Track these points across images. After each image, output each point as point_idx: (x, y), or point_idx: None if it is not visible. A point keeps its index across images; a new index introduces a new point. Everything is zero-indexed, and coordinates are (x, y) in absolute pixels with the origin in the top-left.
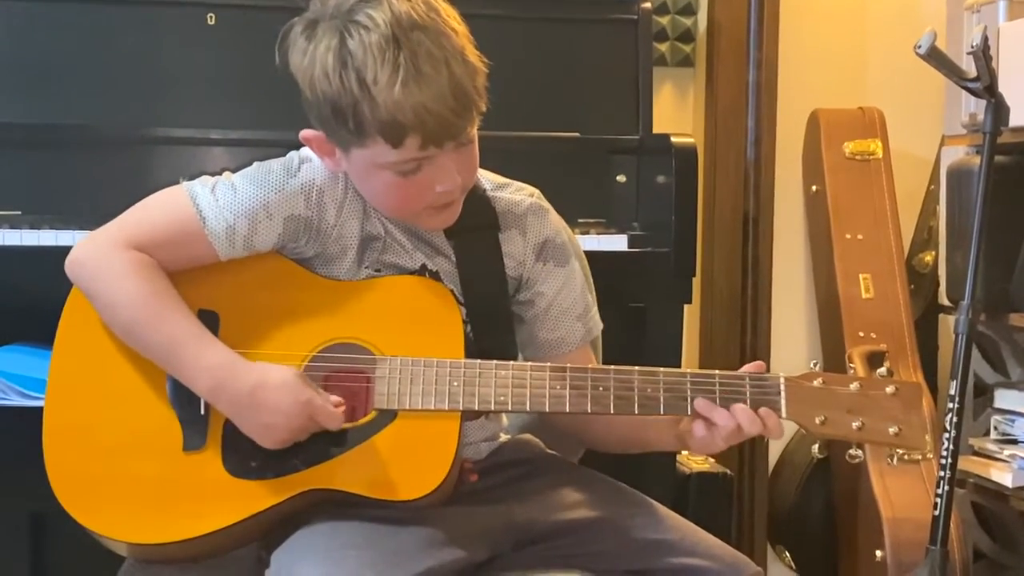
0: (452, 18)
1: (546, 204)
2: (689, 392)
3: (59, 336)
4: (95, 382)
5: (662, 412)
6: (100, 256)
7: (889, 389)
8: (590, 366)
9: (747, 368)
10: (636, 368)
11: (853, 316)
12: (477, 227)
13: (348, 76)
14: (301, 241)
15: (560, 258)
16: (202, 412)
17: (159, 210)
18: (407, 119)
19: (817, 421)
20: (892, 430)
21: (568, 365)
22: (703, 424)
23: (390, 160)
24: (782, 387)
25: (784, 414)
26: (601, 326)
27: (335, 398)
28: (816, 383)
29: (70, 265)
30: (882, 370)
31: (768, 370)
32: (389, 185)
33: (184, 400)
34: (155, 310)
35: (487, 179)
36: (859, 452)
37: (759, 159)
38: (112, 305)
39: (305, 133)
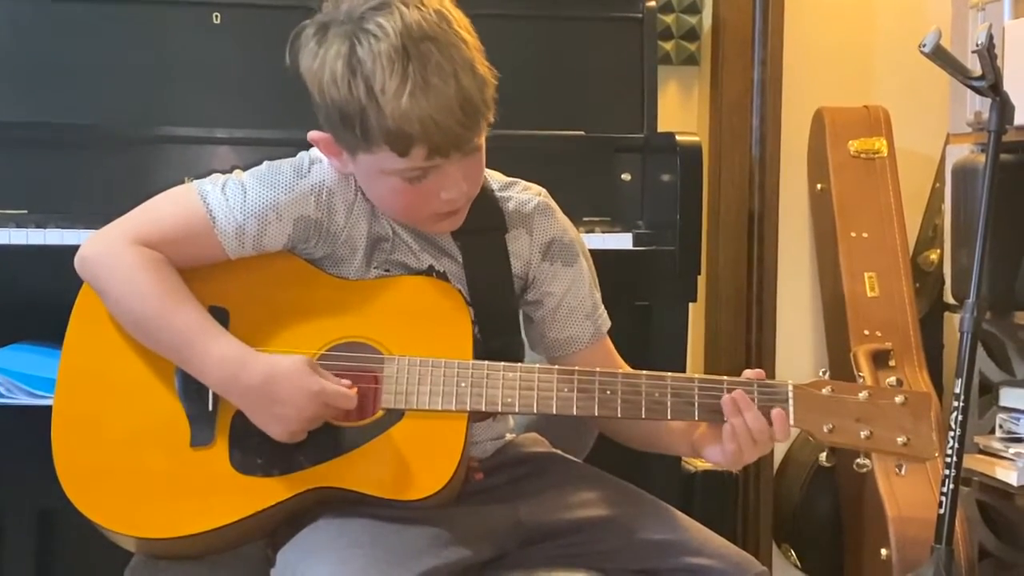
0: (463, 28)
1: (553, 204)
2: (697, 397)
3: (69, 331)
4: (104, 377)
5: (669, 417)
6: (110, 252)
7: (898, 399)
8: (598, 369)
9: (748, 375)
10: (644, 372)
11: (858, 314)
12: (484, 228)
13: (356, 84)
14: (311, 242)
15: (567, 257)
16: (210, 408)
17: (169, 208)
18: (414, 130)
19: (825, 429)
20: (901, 440)
21: (576, 368)
22: (719, 429)
23: (396, 167)
24: (790, 394)
25: (792, 421)
26: (609, 323)
27: (345, 381)
28: (825, 391)
29: (80, 261)
30: (892, 379)
31: (773, 374)
32: (395, 191)
33: (192, 395)
34: (165, 304)
35: (493, 179)
36: (867, 461)
37: (764, 157)
38: (122, 300)
39: (313, 134)
